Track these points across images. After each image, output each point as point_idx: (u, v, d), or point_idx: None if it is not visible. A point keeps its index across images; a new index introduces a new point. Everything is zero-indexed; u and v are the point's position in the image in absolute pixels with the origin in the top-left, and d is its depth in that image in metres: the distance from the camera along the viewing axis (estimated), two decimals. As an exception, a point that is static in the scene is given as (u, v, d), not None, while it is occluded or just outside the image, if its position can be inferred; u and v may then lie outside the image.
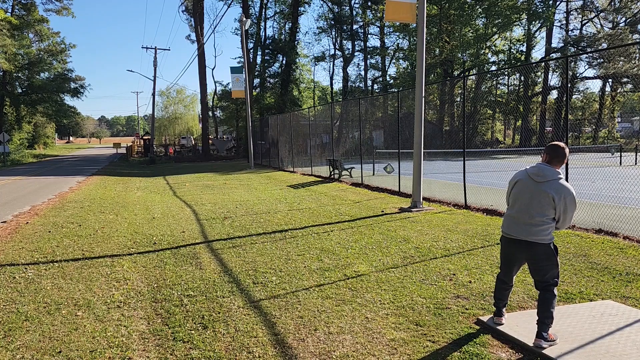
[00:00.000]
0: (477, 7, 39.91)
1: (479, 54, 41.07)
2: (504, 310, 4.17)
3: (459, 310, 4.52)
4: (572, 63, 36.62)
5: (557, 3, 41.14)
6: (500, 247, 4.09)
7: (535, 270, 3.81)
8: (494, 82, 45.09)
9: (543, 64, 39.47)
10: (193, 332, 4.17)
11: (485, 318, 4.24)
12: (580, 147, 32.26)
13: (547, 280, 3.75)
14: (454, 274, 5.62)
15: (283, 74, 41.78)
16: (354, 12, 47.43)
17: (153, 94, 39.11)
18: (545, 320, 3.67)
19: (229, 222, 9.54)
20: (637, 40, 37.93)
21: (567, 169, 8.17)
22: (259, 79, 42.37)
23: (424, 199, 11.37)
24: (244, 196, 13.78)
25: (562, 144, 3.75)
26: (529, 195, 3.71)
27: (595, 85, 42.46)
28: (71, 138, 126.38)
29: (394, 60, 48.73)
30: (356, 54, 48.79)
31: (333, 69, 69.85)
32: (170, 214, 10.63)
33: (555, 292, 3.77)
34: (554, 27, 42.43)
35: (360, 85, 49.38)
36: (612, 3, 39.90)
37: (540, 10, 39.22)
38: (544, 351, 3.58)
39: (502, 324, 4.06)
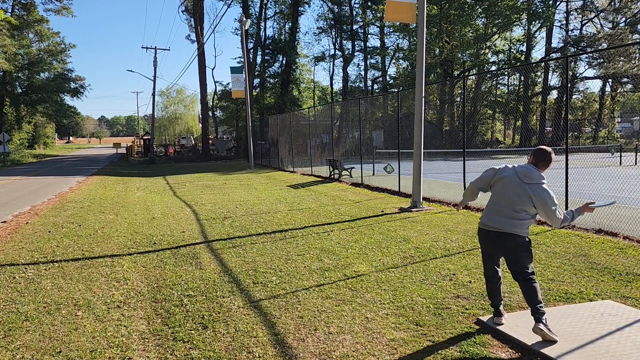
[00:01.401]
0: (477, 7, 39.90)
1: (479, 54, 41.05)
2: (502, 309, 4.19)
3: (459, 310, 4.52)
4: (572, 63, 36.62)
5: (557, 3, 41.15)
6: (479, 241, 4.18)
7: (514, 261, 3.95)
8: (494, 82, 45.09)
9: (543, 64, 39.46)
10: (193, 332, 4.17)
11: (485, 318, 4.24)
12: (580, 147, 32.26)
13: (524, 269, 3.91)
14: (454, 274, 5.62)
15: (283, 74, 41.77)
16: (354, 12, 47.42)
17: (153, 94, 39.14)
18: (538, 306, 3.77)
19: (229, 222, 9.54)
20: (637, 40, 37.93)
21: (567, 170, 8.17)
22: (259, 79, 42.36)
23: (424, 199, 11.37)
24: (244, 196, 13.78)
25: (549, 149, 3.96)
26: (515, 193, 3.90)
27: (595, 85, 42.52)
28: (71, 138, 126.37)
29: (394, 60, 48.74)
30: (356, 54, 48.79)
31: (333, 69, 69.90)
32: (170, 214, 10.63)
33: (535, 279, 3.92)
34: (554, 27, 42.44)
35: (360, 85, 49.38)
36: (612, 3, 39.90)
37: (540, 10, 39.22)
38: (544, 351, 3.58)
39: (502, 324, 4.07)
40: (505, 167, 4.06)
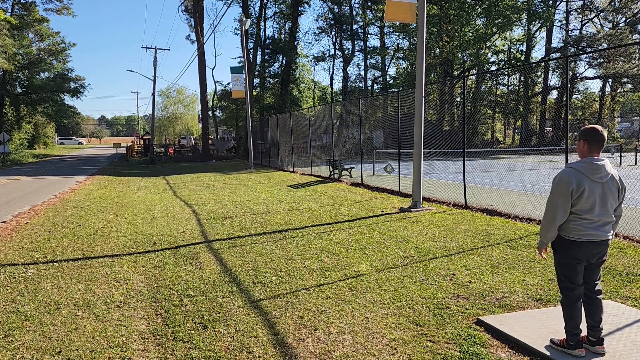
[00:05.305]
0: (477, 7, 39.91)
1: (479, 54, 41.05)
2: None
3: (459, 310, 4.52)
4: (572, 63, 36.62)
5: (557, 3, 41.15)
6: (569, 256, 3.55)
7: (599, 267, 3.66)
8: (494, 82, 45.09)
9: (543, 64, 39.46)
10: (193, 332, 4.17)
11: (485, 318, 4.24)
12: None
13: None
14: (454, 274, 5.62)
15: (283, 74, 41.79)
16: (354, 12, 47.42)
17: (153, 94, 39.16)
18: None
19: (229, 222, 9.54)
20: (637, 40, 37.92)
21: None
22: (259, 79, 42.38)
23: (424, 199, 11.37)
24: (244, 196, 13.78)
25: (599, 127, 3.45)
26: (601, 198, 3.49)
27: (595, 85, 42.52)
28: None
29: (394, 60, 48.75)
30: (356, 54, 48.79)
31: (333, 69, 69.79)
32: (170, 214, 10.63)
33: None
34: (554, 27, 42.43)
35: (360, 85, 49.39)
36: (612, 3, 39.89)
37: (540, 10, 39.22)
38: (544, 351, 3.58)
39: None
40: (571, 177, 3.44)
